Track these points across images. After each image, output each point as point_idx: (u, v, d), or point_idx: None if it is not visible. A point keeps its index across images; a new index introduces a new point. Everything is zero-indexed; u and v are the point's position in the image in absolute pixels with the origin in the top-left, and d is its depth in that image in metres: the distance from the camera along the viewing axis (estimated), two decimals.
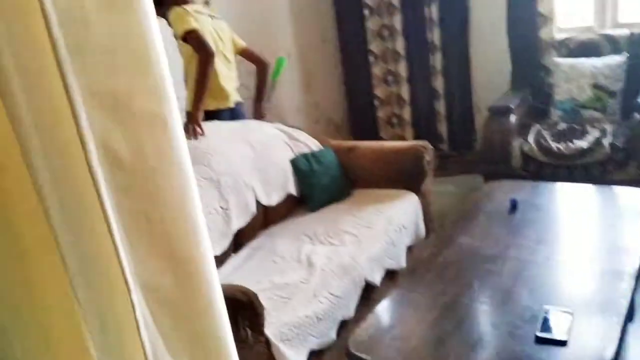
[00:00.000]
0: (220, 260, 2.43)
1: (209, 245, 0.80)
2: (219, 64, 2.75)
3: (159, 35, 0.69)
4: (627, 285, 1.80)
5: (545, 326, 1.62)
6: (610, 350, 1.52)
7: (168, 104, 0.71)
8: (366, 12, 4.23)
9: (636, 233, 2.15)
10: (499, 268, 1.96)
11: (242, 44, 3.01)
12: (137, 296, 0.73)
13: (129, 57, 0.67)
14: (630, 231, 2.19)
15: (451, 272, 2.03)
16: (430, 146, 2.89)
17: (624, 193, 2.59)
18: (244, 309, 1.80)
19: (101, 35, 0.64)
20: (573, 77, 3.47)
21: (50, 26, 0.60)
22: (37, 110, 0.63)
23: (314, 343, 2.02)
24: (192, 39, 2.58)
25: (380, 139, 4.48)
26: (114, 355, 0.74)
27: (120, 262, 0.71)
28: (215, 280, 0.82)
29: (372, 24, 4.27)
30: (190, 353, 0.78)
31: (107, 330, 0.74)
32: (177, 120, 0.73)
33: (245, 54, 3.04)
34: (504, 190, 2.62)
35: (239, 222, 2.53)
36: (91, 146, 0.66)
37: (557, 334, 1.59)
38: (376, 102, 4.47)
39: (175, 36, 2.64)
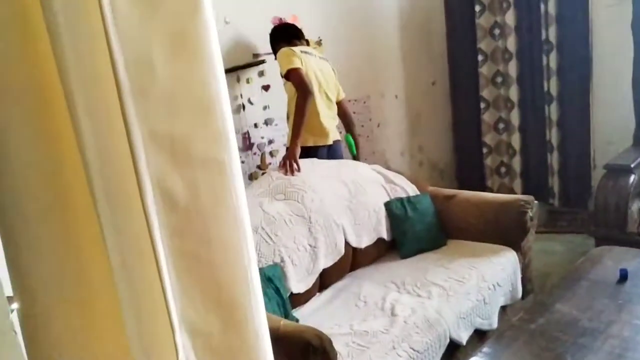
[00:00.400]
0: (304, 298, 2.42)
1: (260, 295, 0.78)
2: (320, 102, 2.80)
3: (224, 83, 0.70)
4: None
5: None
6: None
7: (228, 149, 0.71)
8: (480, 57, 4.14)
9: None
10: (598, 345, 1.77)
11: (342, 94, 3.06)
12: (181, 338, 0.73)
13: (191, 103, 0.68)
14: None
15: (543, 341, 1.86)
16: (534, 201, 2.72)
17: None
18: (317, 353, 1.76)
19: (166, 81, 0.66)
20: None
21: (116, 69, 0.62)
22: (99, 147, 0.65)
23: None
24: (293, 77, 2.65)
25: (487, 187, 4.31)
26: None
27: (166, 301, 0.71)
28: (264, 331, 0.80)
29: (485, 69, 4.17)
30: None
31: None
32: (236, 165, 0.73)
33: (340, 105, 3.06)
34: (615, 257, 2.39)
35: (326, 261, 2.51)
36: (147, 186, 0.67)
37: None
38: (484, 150, 4.32)
39: (281, 74, 2.73)
